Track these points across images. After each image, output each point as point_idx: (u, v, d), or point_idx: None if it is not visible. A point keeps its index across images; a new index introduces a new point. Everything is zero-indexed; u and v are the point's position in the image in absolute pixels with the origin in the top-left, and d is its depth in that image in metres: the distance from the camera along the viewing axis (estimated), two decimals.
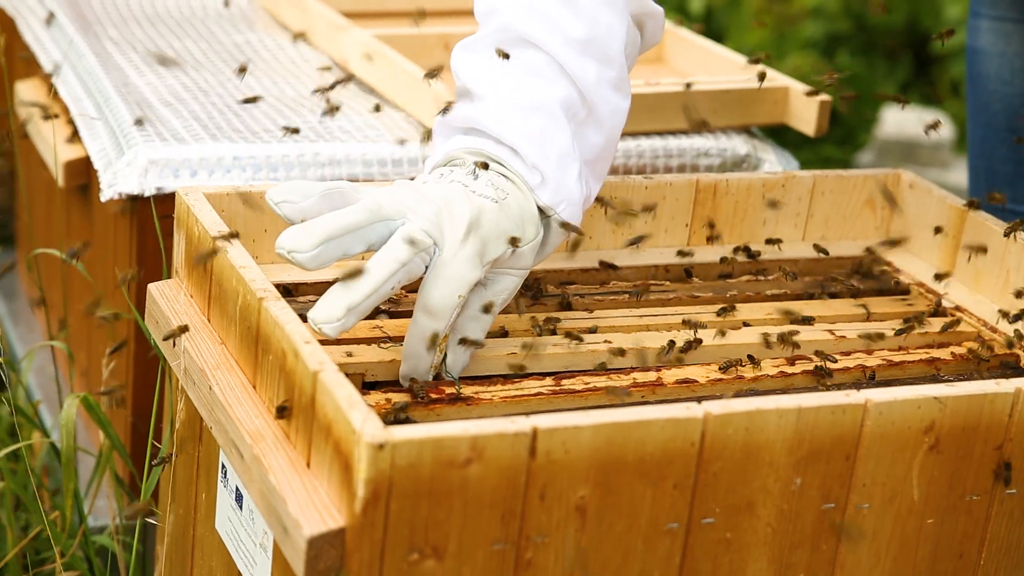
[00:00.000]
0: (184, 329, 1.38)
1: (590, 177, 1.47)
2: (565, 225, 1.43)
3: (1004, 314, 1.55)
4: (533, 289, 1.54)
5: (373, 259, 1.32)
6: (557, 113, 1.42)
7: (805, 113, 1.93)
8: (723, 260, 1.63)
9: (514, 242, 1.38)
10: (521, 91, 1.43)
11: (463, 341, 1.38)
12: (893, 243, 1.65)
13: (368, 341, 1.42)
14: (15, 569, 1.77)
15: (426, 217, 1.35)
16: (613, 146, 1.49)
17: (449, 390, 1.37)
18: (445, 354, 1.39)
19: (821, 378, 1.44)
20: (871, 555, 1.31)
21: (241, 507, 1.31)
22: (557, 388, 1.39)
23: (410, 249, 1.33)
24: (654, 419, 1.20)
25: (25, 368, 1.98)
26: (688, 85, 1.90)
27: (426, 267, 1.35)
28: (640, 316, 1.53)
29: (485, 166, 1.40)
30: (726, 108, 1.93)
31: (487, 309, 1.40)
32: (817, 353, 1.46)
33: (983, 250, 1.60)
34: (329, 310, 1.29)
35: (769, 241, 1.67)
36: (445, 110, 1.45)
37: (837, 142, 3.76)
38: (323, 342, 1.38)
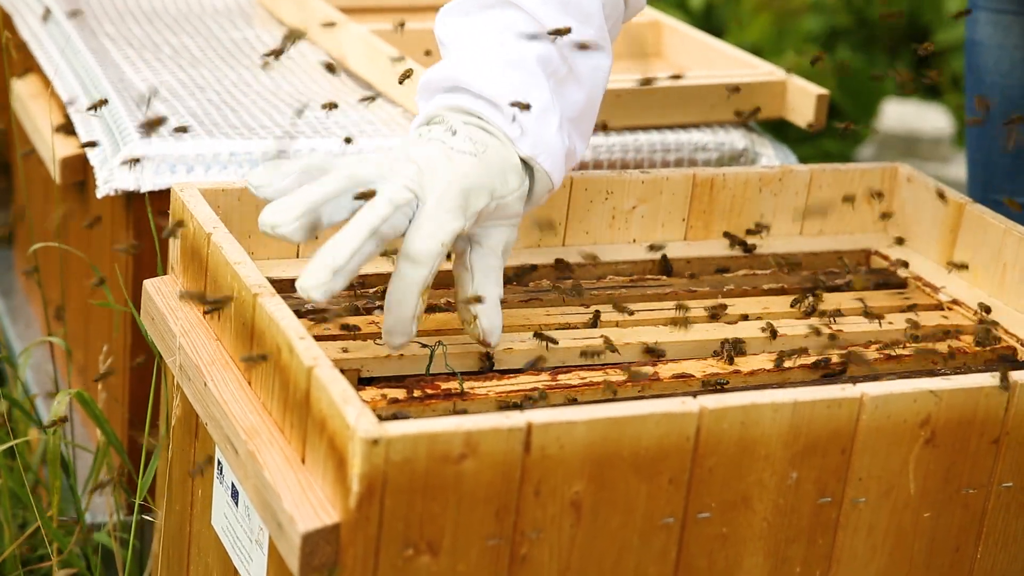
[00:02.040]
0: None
1: (573, 133, 1.47)
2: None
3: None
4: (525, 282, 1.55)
5: (352, 219, 1.32)
6: (535, 68, 1.43)
7: (803, 107, 1.93)
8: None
9: (495, 194, 1.39)
10: (499, 48, 1.44)
11: (483, 300, 1.40)
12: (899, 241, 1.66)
13: (364, 337, 1.42)
14: (13, 566, 1.77)
15: (407, 175, 1.35)
16: (595, 104, 1.50)
17: (445, 385, 1.37)
18: (477, 321, 1.40)
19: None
20: (867, 549, 1.31)
21: (237, 503, 1.31)
22: (553, 383, 1.39)
23: (388, 206, 1.33)
24: (649, 414, 1.19)
25: (23, 364, 1.98)
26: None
27: (409, 221, 1.35)
28: (637, 310, 1.53)
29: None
30: (724, 102, 1.93)
31: (495, 265, 1.41)
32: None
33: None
34: (315, 275, 1.29)
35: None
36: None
37: (837, 136, 3.75)
38: (319, 338, 1.38)
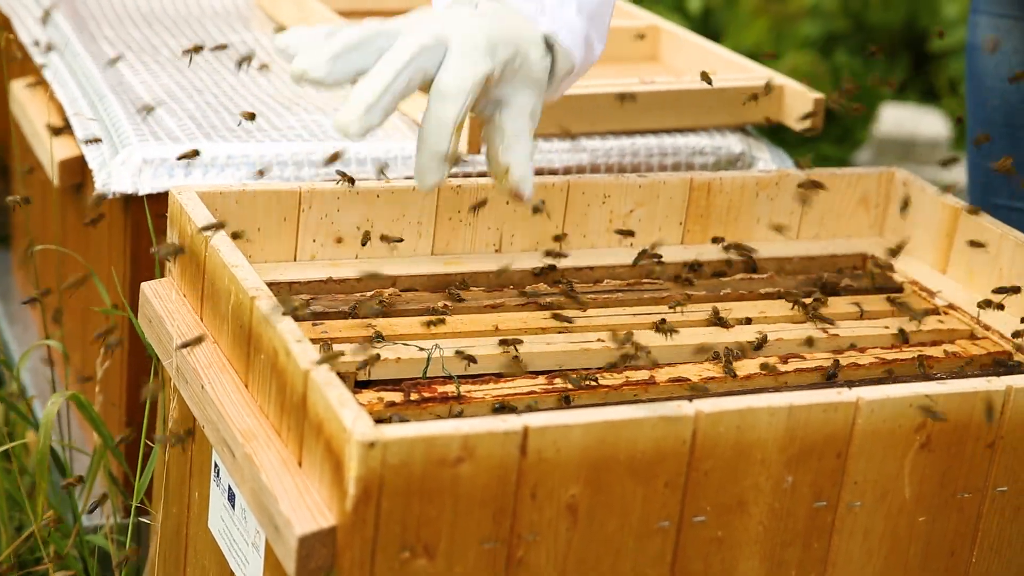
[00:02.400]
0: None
1: (591, 29, 1.49)
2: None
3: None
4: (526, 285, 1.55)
5: (381, 58, 1.35)
6: None
7: (799, 111, 1.93)
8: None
9: (519, 53, 1.40)
10: None
11: (516, 149, 1.42)
12: (895, 251, 1.65)
13: (361, 340, 1.42)
14: (10, 569, 1.77)
15: (433, 25, 1.38)
16: (610, 5, 1.52)
17: (442, 389, 1.37)
18: (509, 173, 1.42)
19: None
20: (862, 553, 1.31)
21: (233, 506, 1.31)
22: (549, 387, 1.39)
23: (415, 45, 1.35)
24: (645, 417, 1.20)
25: (20, 367, 1.98)
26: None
27: (439, 64, 1.37)
28: (634, 315, 1.53)
29: None
30: (721, 106, 1.93)
31: (524, 126, 1.42)
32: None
33: (981, 245, 1.60)
34: (350, 112, 1.32)
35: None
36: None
37: (835, 140, 3.76)
38: (315, 340, 1.38)
